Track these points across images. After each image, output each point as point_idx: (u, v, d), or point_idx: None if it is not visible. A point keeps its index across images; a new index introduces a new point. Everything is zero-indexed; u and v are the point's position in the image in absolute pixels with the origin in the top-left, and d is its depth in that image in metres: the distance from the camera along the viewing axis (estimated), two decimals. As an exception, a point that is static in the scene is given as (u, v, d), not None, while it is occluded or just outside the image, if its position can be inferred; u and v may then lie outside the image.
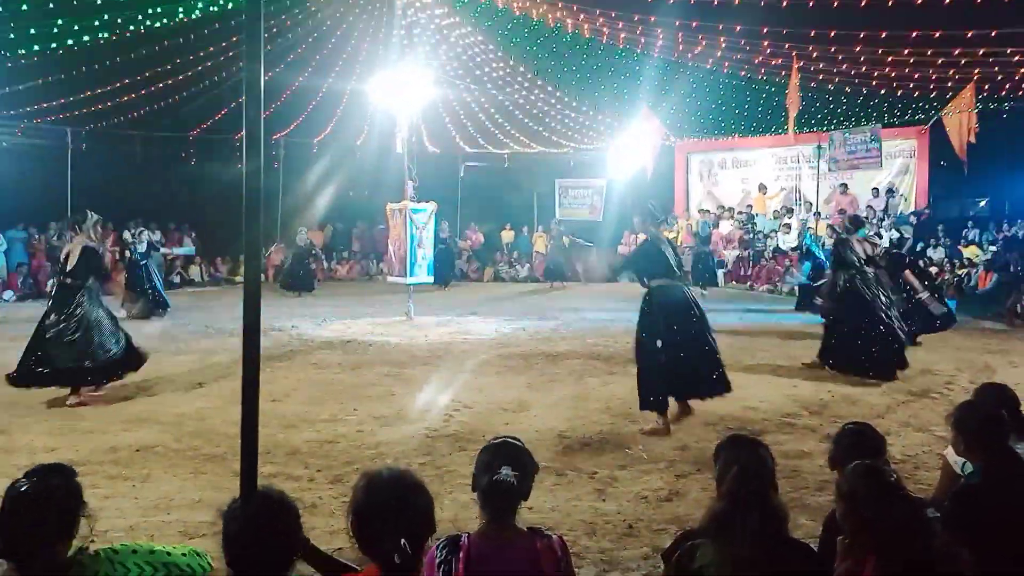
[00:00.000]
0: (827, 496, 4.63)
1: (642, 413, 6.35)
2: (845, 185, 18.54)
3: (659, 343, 6.19)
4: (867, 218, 13.68)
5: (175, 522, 4.44)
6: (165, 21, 14.67)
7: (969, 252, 16.34)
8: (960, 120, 16.21)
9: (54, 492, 2.02)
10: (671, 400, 6.32)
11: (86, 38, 14.18)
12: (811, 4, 13.10)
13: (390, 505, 2.10)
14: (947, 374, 8.61)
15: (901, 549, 2.21)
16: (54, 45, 14.12)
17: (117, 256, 18.38)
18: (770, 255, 18.62)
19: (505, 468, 2.39)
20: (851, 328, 8.32)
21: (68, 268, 7.27)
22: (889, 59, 14.30)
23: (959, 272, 15.46)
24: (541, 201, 23.39)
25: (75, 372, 7.14)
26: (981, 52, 13.58)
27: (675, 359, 6.17)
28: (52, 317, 7.17)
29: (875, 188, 18.37)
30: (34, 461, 5.34)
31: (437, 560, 2.33)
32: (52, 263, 17.07)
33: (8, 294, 16.02)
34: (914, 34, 13.11)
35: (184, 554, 2.28)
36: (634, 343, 6.49)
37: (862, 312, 8.29)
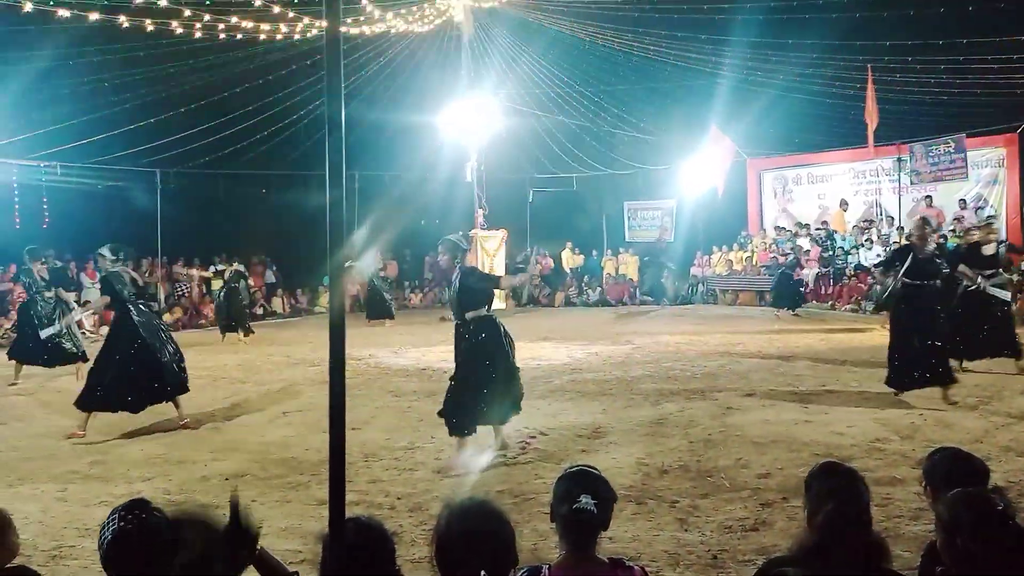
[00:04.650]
0: (923, 525, 4.41)
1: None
2: (930, 198, 17.85)
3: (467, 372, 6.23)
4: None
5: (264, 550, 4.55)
6: (244, 64, 15.43)
7: (1067, 264, 15.43)
8: (1052, 125, 15.43)
9: (156, 522, 2.07)
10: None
11: (172, 84, 15.05)
12: (885, 15, 12.77)
13: (472, 536, 2.10)
14: (1050, 395, 8.12)
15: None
16: (142, 92, 15.03)
17: (204, 289, 19.23)
18: (852, 272, 18.01)
19: (585, 496, 2.36)
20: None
21: (140, 288, 7.72)
22: (971, 66, 13.76)
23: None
24: (610, 224, 23.29)
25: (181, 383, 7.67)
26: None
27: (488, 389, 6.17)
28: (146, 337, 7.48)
29: (962, 200, 17.62)
30: (132, 490, 5.61)
31: (520, 592, 2.32)
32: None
33: (105, 329, 16.86)
34: (998, 40, 12.59)
35: None
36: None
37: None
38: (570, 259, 22.78)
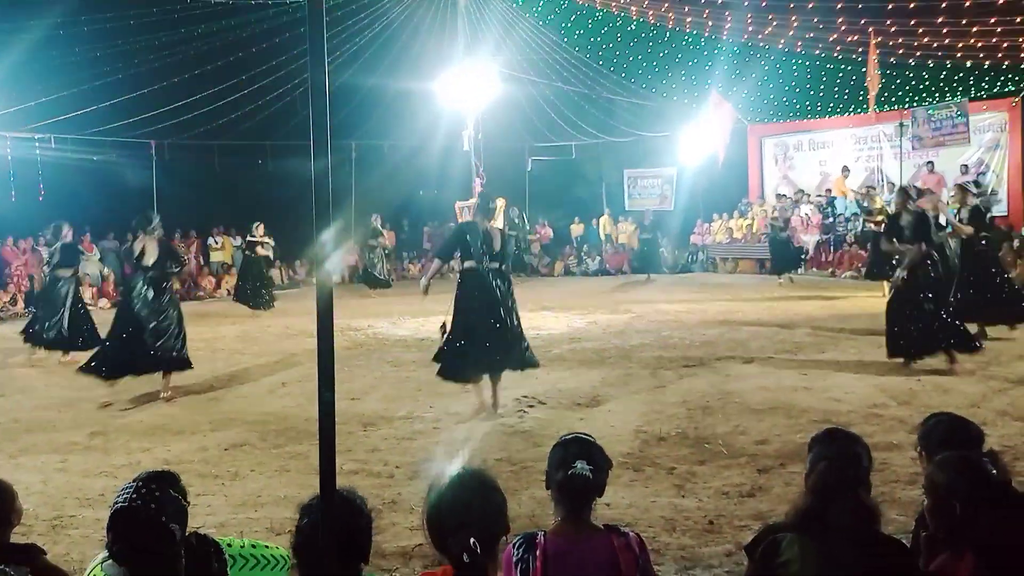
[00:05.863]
0: (918, 490, 4.41)
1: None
2: (931, 163, 17.72)
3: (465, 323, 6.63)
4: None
5: (263, 519, 4.58)
6: (237, 32, 15.24)
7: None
8: (1056, 89, 15.25)
9: (168, 502, 2.05)
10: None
11: (166, 53, 14.88)
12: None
13: (461, 504, 2.10)
14: (1048, 359, 8.13)
15: (1004, 546, 2.08)
16: (136, 62, 14.86)
17: (202, 261, 19.20)
18: (852, 240, 17.94)
19: (580, 462, 2.36)
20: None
21: (151, 262, 7.54)
22: (974, 29, 13.56)
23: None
24: (610, 192, 23.17)
25: (173, 359, 7.60)
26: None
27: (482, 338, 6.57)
28: (146, 308, 7.45)
29: (964, 165, 17.47)
30: (131, 460, 5.64)
31: (514, 559, 2.32)
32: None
33: (103, 302, 16.87)
34: (1001, 2, 12.39)
35: (267, 546, 2.36)
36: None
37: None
38: (607, 225, 22.40)
